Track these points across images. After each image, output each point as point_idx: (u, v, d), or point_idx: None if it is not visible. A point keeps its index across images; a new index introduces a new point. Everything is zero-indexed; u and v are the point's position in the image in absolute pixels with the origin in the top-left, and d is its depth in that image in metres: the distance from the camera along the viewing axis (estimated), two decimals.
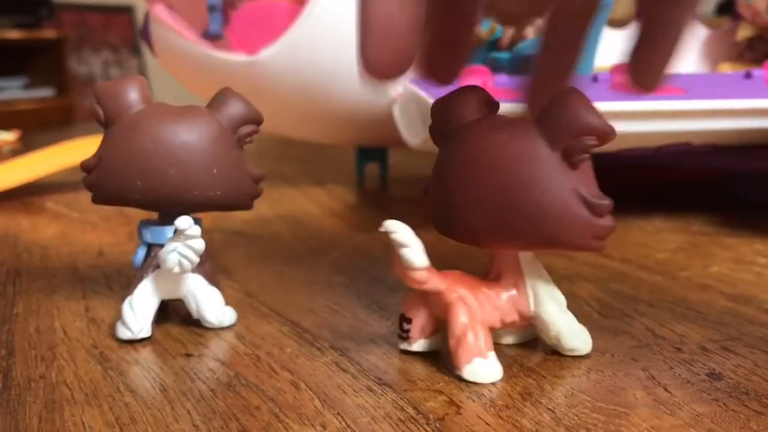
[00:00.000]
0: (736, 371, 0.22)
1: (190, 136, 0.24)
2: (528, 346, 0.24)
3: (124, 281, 0.30)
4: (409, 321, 0.23)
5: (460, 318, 0.22)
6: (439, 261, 0.33)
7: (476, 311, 0.22)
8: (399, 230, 0.22)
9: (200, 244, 0.23)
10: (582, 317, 0.26)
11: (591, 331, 0.25)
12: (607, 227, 0.21)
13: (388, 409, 0.20)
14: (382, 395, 0.21)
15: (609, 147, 0.36)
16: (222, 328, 0.25)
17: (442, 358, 0.23)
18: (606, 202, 0.21)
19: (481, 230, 0.22)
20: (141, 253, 0.26)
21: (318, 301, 0.28)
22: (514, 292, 0.23)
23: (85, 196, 0.26)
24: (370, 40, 0.20)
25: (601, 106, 0.32)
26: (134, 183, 0.24)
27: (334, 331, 0.25)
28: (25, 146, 0.67)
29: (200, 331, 0.25)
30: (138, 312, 0.24)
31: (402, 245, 0.21)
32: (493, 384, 0.21)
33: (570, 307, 0.27)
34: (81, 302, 0.28)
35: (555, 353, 0.23)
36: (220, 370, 0.22)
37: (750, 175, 0.41)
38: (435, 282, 0.22)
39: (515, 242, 0.22)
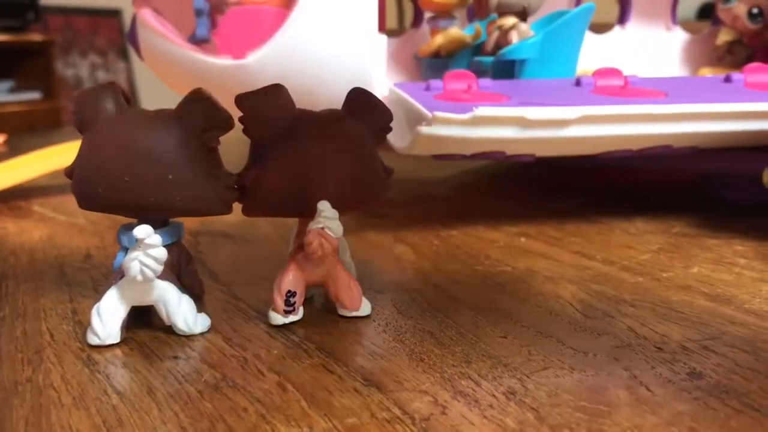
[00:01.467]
0: (716, 370, 0.22)
1: (145, 143, 0.24)
2: (512, 347, 0.24)
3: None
4: (294, 294, 0.26)
5: (345, 274, 0.26)
6: (426, 259, 0.33)
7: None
8: (328, 207, 0.25)
9: (161, 253, 0.24)
10: (564, 317, 0.26)
11: (574, 331, 0.25)
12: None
13: (374, 410, 0.20)
14: (368, 396, 0.21)
15: (592, 150, 0.36)
16: (210, 331, 0.26)
17: (425, 359, 0.23)
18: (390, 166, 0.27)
19: (336, 201, 0.25)
20: (120, 257, 0.26)
21: (304, 303, 0.28)
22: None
23: (72, 200, 0.26)
24: None
25: (584, 109, 0.33)
26: (97, 190, 0.24)
27: (320, 333, 0.25)
28: (11, 150, 0.67)
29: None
30: (105, 319, 0.24)
31: (330, 218, 0.25)
32: (477, 384, 0.21)
33: (553, 308, 0.27)
34: (68, 305, 0.28)
35: (537, 353, 0.23)
36: (208, 372, 0.23)
37: (730, 177, 0.42)
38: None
39: (350, 207, 0.26)
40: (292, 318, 0.26)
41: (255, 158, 0.26)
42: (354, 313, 0.27)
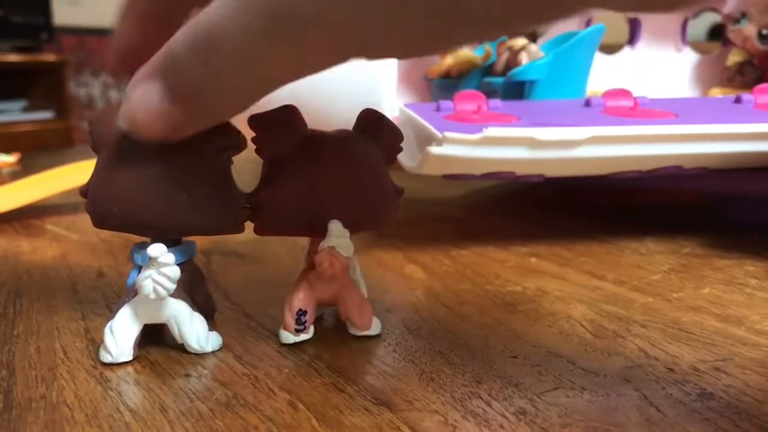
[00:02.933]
0: (727, 391, 0.22)
1: (160, 163, 0.24)
2: (523, 367, 0.24)
3: None
4: (305, 313, 0.26)
5: (356, 294, 0.27)
6: (437, 279, 0.33)
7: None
8: (339, 226, 0.25)
9: (175, 272, 0.24)
10: (575, 338, 0.26)
11: (584, 351, 0.25)
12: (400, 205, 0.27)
13: (385, 429, 0.20)
14: (378, 415, 0.21)
15: (601, 170, 0.36)
16: (221, 350, 0.26)
17: (436, 379, 0.23)
18: (401, 186, 0.27)
19: (346, 221, 0.25)
20: (134, 276, 0.26)
21: (315, 322, 0.28)
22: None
23: (84, 218, 0.27)
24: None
25: (594, 130, 0.33)
26: (111, 210, 0.24)
27: (331, 352, 0.26)
28: (24, 168, 0.68)
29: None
30: (118, 336, 0.25)
31: (343, 237, 0.25)
32: (488, 404, 0.22)
33: (563, 328, 0.27)
34: (81, 323, 0.28)
35: (548, 373, 0.23)
36: (219, 390, 0.23)
37: (740, 197, 0.42)
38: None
39: (360, 227, 0.26)
40: (303, 337, 0.26)
41: (267, 177, 0.26)
42: (364, 333, 0.27)
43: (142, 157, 0.24)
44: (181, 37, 0.19)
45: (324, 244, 0.25)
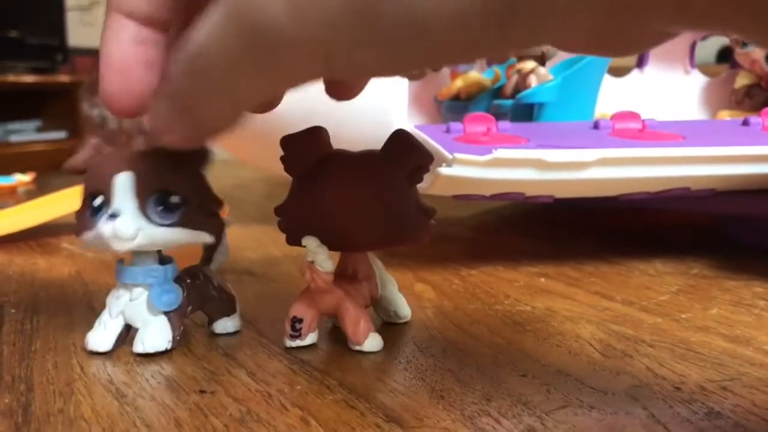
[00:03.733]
0: (734, 411, 0.22)
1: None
2: (532, 386, 0.24)
3: None
4: (301, 321, 0.27)
5: (352, 308, 0.27)
6: (446, 298, 0.34)
7: (358, 300, 0.28)
8: (313, 242, 0.26)
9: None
10: (583, 357, 0.27)
11: (593, 370, 0.25)
12: (433, 225, 0.28)
13: None
14: None
15: (610, 192, 0.37)
16: (235, 367, 0.26)
17: (446, 397, 0.24)
18: (433, 207, 0.28)
19: (354, 238, 0.27)
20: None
21: (327, 339, 0.29)
22: (369, 281, 0.29)
23: None
24: (106, 77, 0.23)
25: (603, 152, 0.33)
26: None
27: (342, 370, 0.26)
28: (39, 188, 0.69)
29: (213, 368, 0.26)
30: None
31: (318, 253, 0.26)
32: (497, 422, 0.22)
33: (572, 347, 0.28)
34: None
35: (556, 391, 0.24)
36: (233, 406, 0.23)
37: (748, 219, 0.42)
38: (332, 283, 0.27)
39: (378, 244, 0.28)
40: (298, 343, 0.28)
41: (292, 192, 0.28)
42: (360, 348, 0.27)
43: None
44: (177, 57, 0.20)
45: (305, 259, 0.26)
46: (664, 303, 0.33)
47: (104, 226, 0.25)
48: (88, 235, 0.26)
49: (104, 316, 0.28)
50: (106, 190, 0.26)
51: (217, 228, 0.28)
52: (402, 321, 0.31)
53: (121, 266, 0.28)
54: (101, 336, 0.27)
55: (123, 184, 0.26)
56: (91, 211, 0.26)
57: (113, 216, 0.25)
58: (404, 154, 0.27)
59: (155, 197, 0.26)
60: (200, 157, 0.27)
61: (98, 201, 0.26)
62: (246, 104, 0.21)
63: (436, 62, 0.18)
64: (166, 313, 0.27)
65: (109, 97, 0.24)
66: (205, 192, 0.27)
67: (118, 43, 0.24)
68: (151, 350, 0.27)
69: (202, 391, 0.24)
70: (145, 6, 0.24)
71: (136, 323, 0.28)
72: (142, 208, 0.26)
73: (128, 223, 0.25)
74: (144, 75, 0.24)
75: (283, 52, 0.18)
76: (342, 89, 0.26)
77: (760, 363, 0.26)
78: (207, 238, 0.27)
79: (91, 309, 0.33)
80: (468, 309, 0.33)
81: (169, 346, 0.27)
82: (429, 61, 0.18)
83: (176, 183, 0.26)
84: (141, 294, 0.27)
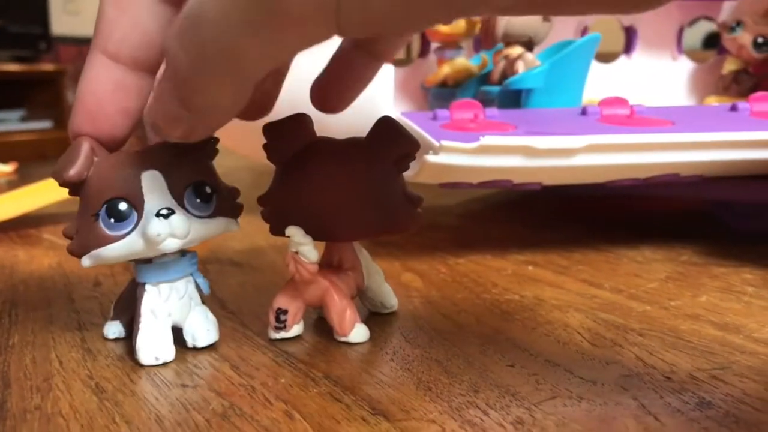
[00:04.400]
0: (725, 400, 0.22)
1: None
2: (520, 376, 0.24)
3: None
4: (286, 312, 0.27)
5: (338, 299, 0.27)
6: (434, 287, 0.33)
7: (344, 291, 0.27)
8: (298, 232, 0.25)
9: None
10: (572, 346, 0.26)
11: (582, 360, 0.25)
12: (421, 214, 0.27)
13: None
14: (375, 425, 0.21)
15: (598, 178, 0.36)
16: (218, 360, 0.26)
17: (433, 388, 0.23)
18: (420, 195, 0.27)
19: (340, 227, 0.26)
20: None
21: (312, 331, 0.28)
22: (354, 272, 0.29)
23: None
24: (78, 117, 0.22)
25: (591, 138, 0.33)
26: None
27: (327, 362, 0.25)
28: (22, 178, 0.68)
29: (195, 361, 0.26)
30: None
31: (302, 243, 0.25)
32: (485, 413, 0.21)
33: (561, 337, 0.27)
34: (77, 333, 0.28)
35: (545, 382, 0.23)
36: (215, 400, 0.23)
37: (737, 205, 0.42)
38: (317, 273, 0.27)
39: (363, 233, 0.27)
40: (283, 335, 0.27)
41: (275, 181, 0.27)
42: (346, 339, 0.27)
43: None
44: (172, 31, 0.19)
45: (289, 249, 0.26)
46: (653, 290, 0.33)
47: (157, 227, 0.23)
48: (109, 250, 0.24)
49: (150, 323, 0.25)
50: (133, 193, 0.24)
51: (239, 214, 0.27)
52: (389, 311, 0.30)
53: (146, 266, 0.26)
54: (162, 344, 0.25)
55: (152, 182, 0.24)
56: (112, 221, 0.24)
57: (165, 215, 0.24)
58: (390, 141, 0.26)
59: (190, 190, 0.25)
60: (209, 145, 0.26)
61: (123, 206, 0.24)
62: (249, 79, 0.19)
63: (458, 7, 0.16)
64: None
65: (75, 135, 0.23)
66: (220, 179, 0.27)
67: (97, 85, 0.22)
68: (213, 341, 0.27)
69: (184, 386, 0.24)
70: (130, 49, 0.22)
71: (182, 320, 0.26)
72: (181, 203, 0.24)
73: (185, 220, 0.24)
74: (118, 122, 0.23)
75: (290, 3, 0.16)
76: (331, 97, 0.26)
77: (751, 351, 0.26)
78: (235, 225, 0.27)
79: (71, 302, 0.32)
80: (455, 298, 0.32)
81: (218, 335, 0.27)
82: (450, 6, 0.16)
83: (203, 173, 0.25)
84: (186, 287, 0.26)
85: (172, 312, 0.26)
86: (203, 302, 0.27)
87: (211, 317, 0.27)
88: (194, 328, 0.26)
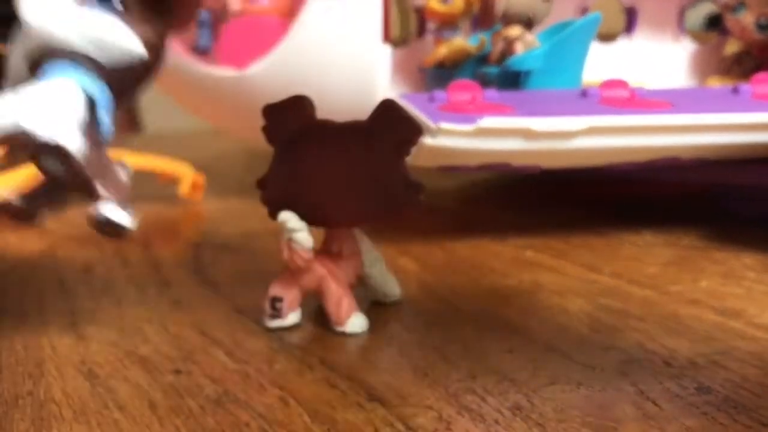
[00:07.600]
0: (725, 385, 0.22)
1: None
2: (518, 362, 0.24)
3: (111, 296, 0.30)
4: (281, 300, 0.26)
5: (334, 287, 0.26)
6: (431, 272, 0.33)
7: (342, 279, 0.27)
8: (292, 218, 0.25)
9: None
10: (571, 331, 0.26)
11: (581, 345, 0.25)
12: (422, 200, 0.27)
13: (378, 425, 0.20)
14: (371, 411, 0.21)
15: (598, 161, 0.36)
16: (212, 345, 0.25)
17: (430, 374, 0.23)
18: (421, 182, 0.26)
19: (337, 212, 0.26)
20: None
21: (307, 316, 0.28)
22: (354, 259, 0.28)
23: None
24: None
25: (591, 120, 0.32)
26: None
27: (323, 348, 0.25)
28: (10, 162, 0.67)
29: (189, 347, 0.25)
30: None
31: (296, 230, 0.25)
32: (483, 399, 0.21)
33: (560, 322, 0.27)
34: (68, 318, 0.28)
35: (543, 368, 0.23)
36: (209, 386, 0.22)
37: (739, 189, 0.41)
38: (313, 260, 0.26)
39: (361, 219, 0.27)
40: (279, 323, 0.27)
41: (274, 164, 0.27)
42: (343, 329, 0.26)
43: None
44: None
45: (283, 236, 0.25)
46: (654, 275, 0.32)
47: None
48: None
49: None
50: None
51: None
52: (391, 300, 0.30)
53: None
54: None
55: None
56: None
57: None
58: (391, 126, 0.26)
59: None
60: None
61: None
62: None
63: None
64: None
65: None
66: None
67: None
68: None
69: (177, 371, 0.23)
70: None
71: None
72: None
73: None
74: None
75: None
76: None
77: (751, 336, 0.25)
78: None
79: (63, 287, 0.32)
80: (453, 283, 0.32)
81: None
82: None
83: None
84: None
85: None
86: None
87: None
88: None
